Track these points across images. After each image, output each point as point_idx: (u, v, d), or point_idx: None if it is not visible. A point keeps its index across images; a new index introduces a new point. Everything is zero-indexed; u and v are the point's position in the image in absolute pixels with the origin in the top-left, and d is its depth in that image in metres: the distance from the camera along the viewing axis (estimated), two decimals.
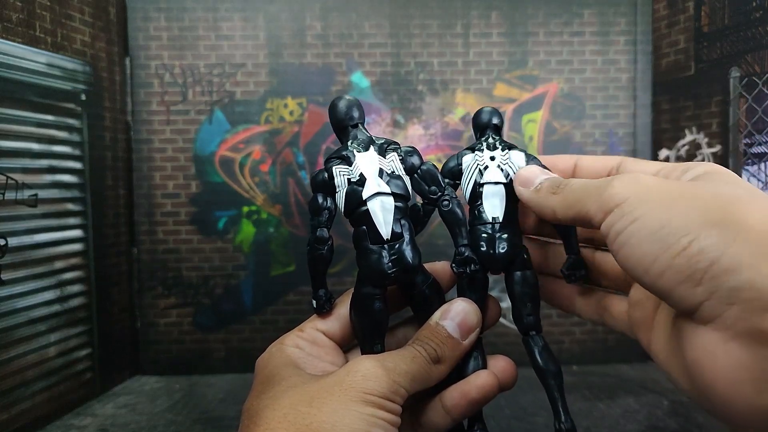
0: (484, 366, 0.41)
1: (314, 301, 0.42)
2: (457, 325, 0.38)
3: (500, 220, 0.42)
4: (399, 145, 0.42)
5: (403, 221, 0.39)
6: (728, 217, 0.27)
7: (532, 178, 0.40)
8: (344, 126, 0.42)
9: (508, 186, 0.42)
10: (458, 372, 0.40)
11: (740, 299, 0.25)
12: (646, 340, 0.36)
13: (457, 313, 0.38)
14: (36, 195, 1.74)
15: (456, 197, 0.42)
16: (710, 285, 0.26)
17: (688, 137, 2.17)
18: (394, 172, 0.40)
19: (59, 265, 1.85)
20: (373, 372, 0.34)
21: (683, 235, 0.27)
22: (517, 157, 0.44)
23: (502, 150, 0.44)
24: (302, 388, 0.34)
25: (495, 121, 0.46)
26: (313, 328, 0.42)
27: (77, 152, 1.95)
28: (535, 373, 0.41)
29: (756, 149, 1.90)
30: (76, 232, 1.94)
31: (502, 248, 0.41)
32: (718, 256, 0.26)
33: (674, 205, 0.28)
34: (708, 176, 0.33)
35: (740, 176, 2.02)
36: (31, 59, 1.73)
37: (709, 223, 0.27)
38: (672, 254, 0.27)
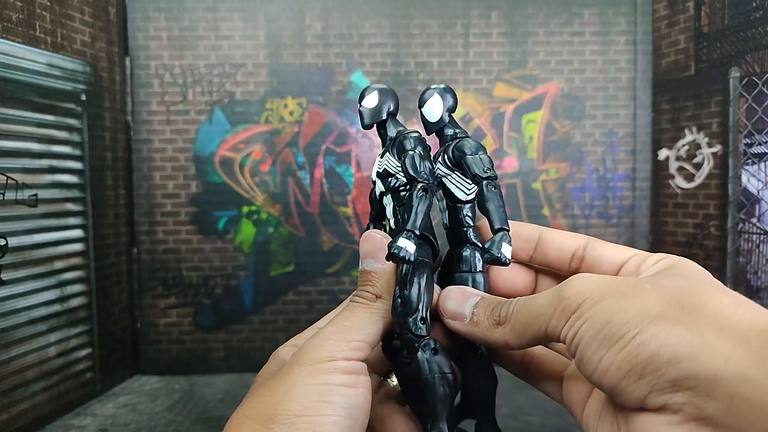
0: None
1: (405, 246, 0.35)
2: (366, 258, 0.38)
3: (448, 226, 0.41)
4: (402, 139, 0.40)
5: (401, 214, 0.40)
6: (668, 309, 0.26)
7: (462, 308, 0.36)
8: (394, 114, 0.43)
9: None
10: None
11: (682, 387, 0.25)
12: (579, 413, 0.35)
13: (363, 251, 0.39)
14: (36, 195, 1.74)
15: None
16: (651, 378, 0.26)
17: (688, 137, 2.17)
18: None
19: (59, 265, 1.85)
20: (318, 341, 0.34)
21: (627, 331, 0.26)
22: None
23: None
24: (267, 382, 0.34)
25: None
26: (315, 327, 0.42)
27: (77, 152, 1.95)
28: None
29: (756, 149, 1.90)
30: (76, 232, 1.94)
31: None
32: (657, 348, 0.25)
33: (621, 301, 0.28)
34: (670, 270, 0.32)
35: (740, 176, 2.02)
36: (31, 59, 1.73)
37: (650, 317, 0.26)
38: (616, 350, 0.26)
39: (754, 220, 1.91)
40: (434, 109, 0.41)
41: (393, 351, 0.40)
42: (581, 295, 0.29)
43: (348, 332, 0.34)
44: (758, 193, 1.90)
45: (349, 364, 0.33)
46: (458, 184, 0.39)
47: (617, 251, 0.36)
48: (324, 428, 0.30)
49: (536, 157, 2.37)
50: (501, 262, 0.34)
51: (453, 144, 0.39)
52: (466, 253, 0.39)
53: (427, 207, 0.36)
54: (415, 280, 0.36)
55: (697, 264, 0.32)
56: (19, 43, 1.67)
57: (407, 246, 0.34)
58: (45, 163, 1.80)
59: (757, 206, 1.90)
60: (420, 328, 0.35)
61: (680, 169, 2.21)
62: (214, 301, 2.32)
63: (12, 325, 1.64)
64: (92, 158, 2.01)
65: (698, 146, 2.12)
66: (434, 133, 0.42)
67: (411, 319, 0.35)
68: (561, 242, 0.38)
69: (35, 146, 1.75)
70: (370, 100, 0.41)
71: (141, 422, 1.81)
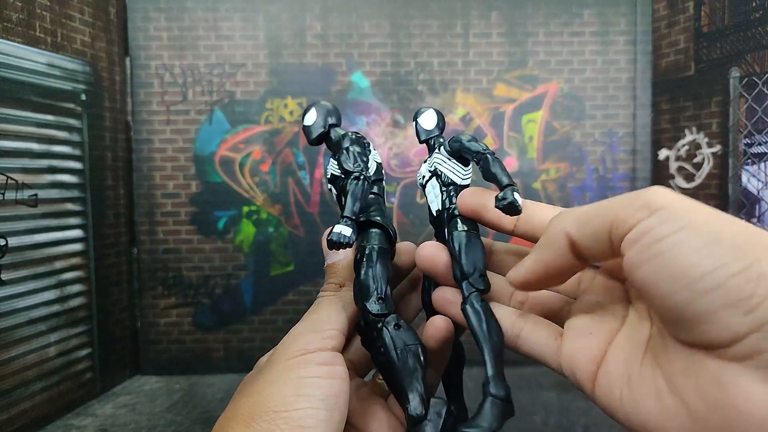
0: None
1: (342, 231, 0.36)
2: (328, 254, 0.40)
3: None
4: (341, 139, 0.43)
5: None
6: None
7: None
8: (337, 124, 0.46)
9: None
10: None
11: None
12: (588, 375, 0.31)
13: (325, 247, 0.40)
14: (36, 195, 1.74)
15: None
16: (764, 315, 0.23)
17: (688, 137, 2.17)
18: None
19: (59, 265, 1.85)
20: (291, 338, 0.35)
21: (746, 253, 0.23)
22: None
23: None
24: (245, 385, 0.35)
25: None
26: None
27: (77, 152, 1.95)
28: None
29: (756, 149, 1.90)
30: (76, 232, 1.94)
31: None
32: None
33: (726, 222, 0.25)
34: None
35: (740, 176, 2.01)
36: (31, 59, 1.73)
37: (766, 247, 0.24)
38: (728, 272, 0.23)
39: (754, 220, 1.91)
40: (430, 120, 0.46)
41: (370, 342, 0.40)
42: (664, 198, 0.26)
43: (317, 324, 0.35)
44: (758, 193, 1.90)
45: (323, 355, 0.33)
46: (454, 170, 0.43)
47: (550, 209, 0.35)
48: (302, 422, 0.30)
49: (536, 156, 2.37)
50: (514, 207, 0.34)
51: (449, 139, 0.43)
52: (461, 219, 0.40)
53: (361, 192, 0.37)
54: (365, 264, 0.38)
55: None
56: (19, 43, 1.67)
57: (343, 230, 0.35)
58: (45, 163, 1.79)
59: (757, 206, 1.90)
60: (377, 307, 0.36)
61: (680, 169, 2.21)
62: (214, 301, 2.32)
63: (12, 325, 1.64)
64: (92, 158, 2.01)
65: (698, 146, 2.12)
66: (424, 143, 0.47)
67: (368, 302, 0.36)
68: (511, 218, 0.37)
69: (35, 146, 1.75)
70: (310, 117, 0.44)
71: (141, 422, 1.81)
